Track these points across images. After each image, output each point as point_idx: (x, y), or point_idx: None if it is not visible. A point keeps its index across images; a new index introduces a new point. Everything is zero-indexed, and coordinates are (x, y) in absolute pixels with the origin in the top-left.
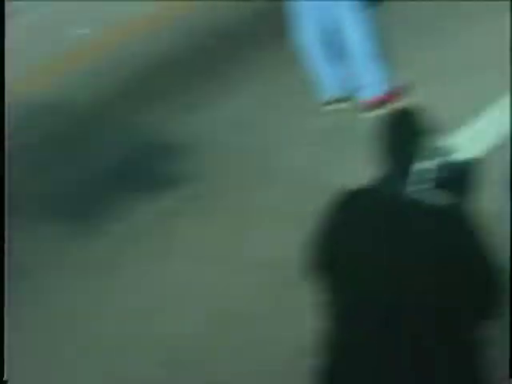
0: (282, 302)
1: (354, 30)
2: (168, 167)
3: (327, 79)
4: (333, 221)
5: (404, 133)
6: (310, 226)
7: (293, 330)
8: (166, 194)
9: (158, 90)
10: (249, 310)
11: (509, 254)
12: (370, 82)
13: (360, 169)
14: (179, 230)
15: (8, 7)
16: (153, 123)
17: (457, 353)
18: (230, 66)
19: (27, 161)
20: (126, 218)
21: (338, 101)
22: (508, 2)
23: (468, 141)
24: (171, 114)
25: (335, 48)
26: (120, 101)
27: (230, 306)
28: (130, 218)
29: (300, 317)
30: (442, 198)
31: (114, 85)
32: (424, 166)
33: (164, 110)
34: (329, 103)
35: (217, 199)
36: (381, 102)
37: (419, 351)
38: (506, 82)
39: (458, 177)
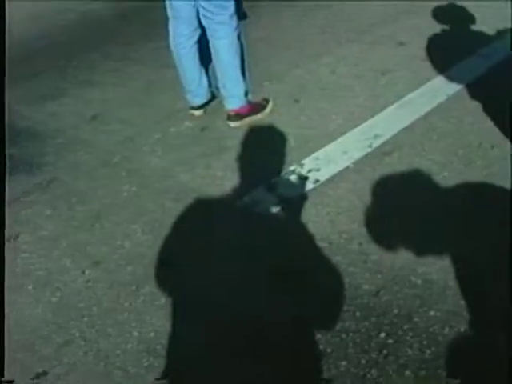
0: (130, 300)
1: (224, 42)
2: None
3: (195, 85)
4: (180, 222)
5: (265, 145)
6: (159, 226)
7: (139, 328)
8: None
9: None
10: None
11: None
12: (236, 94)
13: (219, 175)
14: (28, 217)
15: None
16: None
17: None
18: (99, 60)
19: None
20: None
21: (204, 107)
22: None
23: (325, 161)
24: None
25: (204, 57)
26: None
27: (71, 300)
28: None
29: (146, 316)
30: (285, 214)
31: None
32: (279, 179)
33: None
34: (195, 108)
35: (66, 191)
36: (246, 114)
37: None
38: (376, 102)
39: (304, 195)
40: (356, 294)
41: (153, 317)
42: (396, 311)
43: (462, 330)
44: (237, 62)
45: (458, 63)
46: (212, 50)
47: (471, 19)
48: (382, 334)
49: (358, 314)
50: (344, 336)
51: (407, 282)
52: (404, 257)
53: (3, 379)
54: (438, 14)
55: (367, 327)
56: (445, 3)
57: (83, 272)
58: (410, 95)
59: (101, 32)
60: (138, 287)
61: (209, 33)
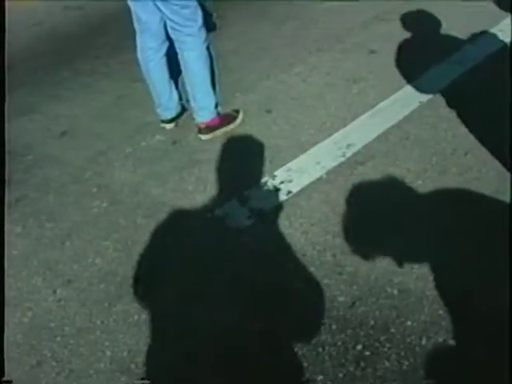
0: (102, 318)
1: (193, 54)
2: None
3: (165, 99)
4: (153, 238)
5: (237, 157)
6: (131, 243)
7: (111, 347)
8: None
9: None
10: (63, 324)
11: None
12: (206, 106)
13: (190, 189)
14: None
15: None
16: None
17: None
18: (68, 75)
19: None
20: None
21: (175, 120)
22: None
23: (298, 172)
24: None
25: (174, 70)
26: None
27: (42, 320)
28: None
29: (119, 334)
30: (258, 226)
31: None
32: (251, 192)
33: None
34: (166, 122)
35: (36, 209)
36: (216, 126)
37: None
38: (348, 111)
39: (277, 207)
40: (331, 306)
41: (126, 335)
42: (372, 322)
43: (440, 340)
44: (206, 73)
45: (431, 69)
46: (181, 62)
47: (441, 25)
48: (359, 347)
49: (333, 326)
50: (320, 350)
51: (383, 292)
52: (380, 267)
53: (3, 379)
54: (408, 20)
55: (343, 340)
56: (414, 9)
57: (55, 291)
58: (383, 103)
59: (69, 45)
60: (111, 305)
61: (177, 45)
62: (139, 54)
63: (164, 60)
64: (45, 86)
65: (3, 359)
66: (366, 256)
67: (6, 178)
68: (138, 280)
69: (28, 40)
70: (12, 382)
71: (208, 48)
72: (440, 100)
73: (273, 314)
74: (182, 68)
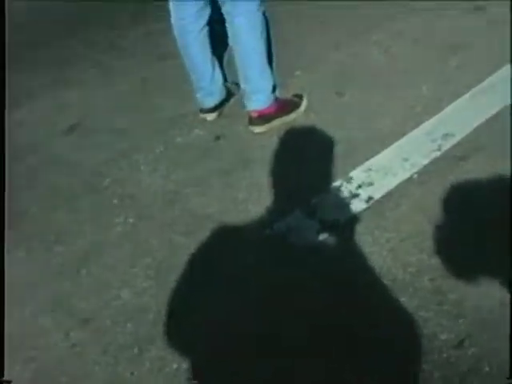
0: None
1: (244, 21)
2: None
3: (206, 81)
4: (193, 261)
5: (300, 156)
6: (166, 269)
7: None
8: None
9: None
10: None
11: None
12: (261, 89)
13: (241, 198)
14: None
15: None
16: None
17: None
18: (78, 51)
19: None
20: None
21: (219, 109)
22: None
23: (380, 172)
24: None
25: (218, 43)
26: None
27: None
28: None
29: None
30: (331, 244)
31: None
32: (320, 200)
33: None
34: (207, 111)
35: (41, 227)
36: (273, 115)
37: None
38: (444, 91)
39: (355, 219)
40: (432, 347)
41: None
42: (487, 369)
43: None
44: (262, 46)
45: None
46: (229, 32)
47: None
48: None
49: (436, 374)
50: None
51: (500, 327)
52: (493, 294)
53: (3, 379)
54: None
55: None
56: None
57: (67, 334)
58: (490, 79)
59: (78, 12)
60: (142, 351)
61: (225, 9)
62: (174, 24)
63: (206, 31)
64: (47, 67)
65: (3, 359)
66: (475, 280)
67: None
68: (175, 316)
69: (28, 6)
70: (11, 382)
71: (264, 13)
72: None
73: (355, 358)
74: (231, 40)
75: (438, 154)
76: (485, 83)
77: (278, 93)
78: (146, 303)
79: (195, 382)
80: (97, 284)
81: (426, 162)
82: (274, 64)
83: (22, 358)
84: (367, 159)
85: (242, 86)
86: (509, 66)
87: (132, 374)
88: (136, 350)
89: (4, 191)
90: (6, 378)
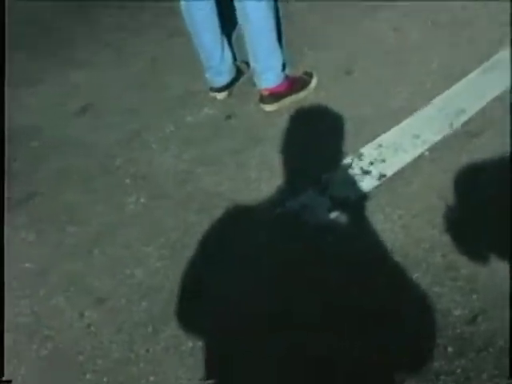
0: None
1: (255, 7)
2: None
3: (216, 59)
4: (207, 240)
5: (311, 133)
6: (180, 247)
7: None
8: None
9: None
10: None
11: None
12: (271, 67)
13: (253, 177)
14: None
15: None
16: None
17: None
18: (86, 31)
19: None
20: None
21: (229, 88)
22: None
23: (392, 149)
24: None
25: (227, 21)
26: None
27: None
28: None
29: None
30: (344, 221)
31: None
32: (332, 177)
33: None
34: (217, 90)
35: (52, 209)
36: (284, 93)
37: None
38: (455, 65)
39: (366, 196)
40: (446, 323)
41: (177, 368)
42: (501, 343)
43: None
44: (272, 24)
45: None
46: (238, 10)
47: None
48: (484, 376)
49: (450, 349)
50: (434, 379)
51: None
52: (505, 269)
53: (3, 379)
54: None
55: (464, 367)
56: None
57: (82, 314)
58: (502, 53)
59: None
60: (156, 329)
61: None
62: (182, 2)
63: (215, 9)
64: (57, 48)
65: (3, 359)
66: (486, 256)
67: (10, 170)
68: (190, 295)
69: None
70: (11, 381)
71: None
72: None
73: (371, 336)
74: (240, 18)
75: (450, 130)
76: (495, 58)
77: (287, 71)
78: (161, 282)
79: (210, 381)
80: (110, 263)
81: (437, 138)
82: (283, 42)
83: (39, 338)
84: (378, 136)
85: (252, 64)
86: None
87: (147, 351)
88: (151, 329)
89: (4, 169)
90: (20, 357)
